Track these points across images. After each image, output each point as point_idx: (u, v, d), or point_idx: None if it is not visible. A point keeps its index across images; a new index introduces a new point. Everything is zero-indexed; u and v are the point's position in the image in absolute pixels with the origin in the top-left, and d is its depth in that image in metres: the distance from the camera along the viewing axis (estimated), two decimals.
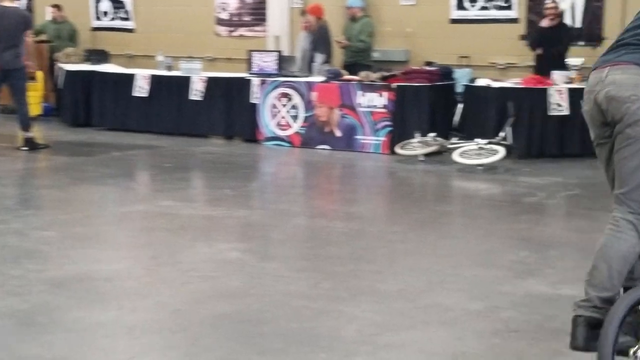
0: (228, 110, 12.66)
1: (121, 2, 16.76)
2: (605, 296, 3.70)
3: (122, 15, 16.81)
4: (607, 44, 12.11)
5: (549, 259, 6.10)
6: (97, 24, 17.21)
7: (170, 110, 13.13)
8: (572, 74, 11.23)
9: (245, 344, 4.33)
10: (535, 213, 7.75)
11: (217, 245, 6.40)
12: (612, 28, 12.31)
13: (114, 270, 5.68)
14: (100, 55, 15.34)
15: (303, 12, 13.56)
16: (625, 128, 3.66)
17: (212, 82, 12.82)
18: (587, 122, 3.98)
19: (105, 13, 17.05)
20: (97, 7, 17.13)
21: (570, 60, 11.68)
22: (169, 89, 13.17)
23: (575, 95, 10.73)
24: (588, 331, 3.66)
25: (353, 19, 13.20)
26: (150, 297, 5.13)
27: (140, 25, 16.66)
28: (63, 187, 8.85)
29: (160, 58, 13.86)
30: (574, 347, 3.73)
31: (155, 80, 13.29)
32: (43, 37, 15.78)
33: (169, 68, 13.55)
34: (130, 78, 13.50)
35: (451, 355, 4.21)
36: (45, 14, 16.40)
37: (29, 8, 17.22)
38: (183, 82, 13.00)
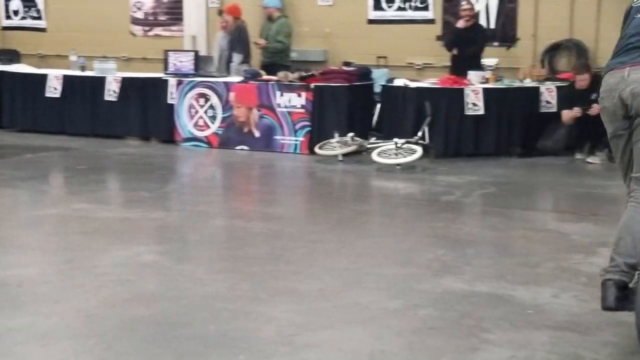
0: (144, 111, 12.51)
1: (32, 1, 16.45)
2: (631, 262, 4.24)
3: (34, 14, 16.50)
4: (521, 44, 12.36)
5: (466, 256, 6.17)
6: (7, 23, 16.87)
7: (84, 111, 12.91)
8: (487, 74, 11.40)
9: (162, 348, 4.27)
10: (452, 212, 7.83)
11: (133, 248, 6.31)
12: (525, 29, 12.57)
13: (27, 275, 5.55)
14: (10, 55, 15.03)
15: (220, 12, 13.51)
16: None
17: (127, 83, 12.66)
18: (604, 117, 4.56)
19: (16, 12, 16.70)
20: (7, 5, 16.77)
21: (485, 61, 11.85)
22: (83, 89, 12.95)
23: (490, 95, 10.92)
24: (618, 292, 4.22)
25: (270, 19, 13.18)
26: (64, 302, 5.02)
27: (52, 24, 16.38)
28: None
29: (73, 58, 13.62)
30: (606, 307, 4.27)
31: (69, 81, 13.05)
32: None
33: (83, 68, 13.32)
34: (42, 78, 13.24)
35: (369, 353, 4.22)
36: None
37: None
38: (97, 83, 12.80)
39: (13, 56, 15.04)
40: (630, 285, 4.24)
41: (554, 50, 12.55)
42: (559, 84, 11.42)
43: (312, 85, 11.43)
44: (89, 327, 4.58)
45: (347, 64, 12.87)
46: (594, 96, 10.61)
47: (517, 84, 11.48)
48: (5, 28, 16.86)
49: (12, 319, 4.69)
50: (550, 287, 5.34)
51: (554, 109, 11.04)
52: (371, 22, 13.67)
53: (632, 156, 4.41)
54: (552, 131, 10.91)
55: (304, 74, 11.85)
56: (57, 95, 13.04)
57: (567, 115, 10.67)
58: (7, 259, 5.97)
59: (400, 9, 13.45)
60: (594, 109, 10.49)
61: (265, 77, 11.97)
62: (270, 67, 12.71)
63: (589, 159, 10.72)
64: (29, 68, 14.23)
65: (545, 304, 4.99)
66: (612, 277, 4.26)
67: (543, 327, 4.59)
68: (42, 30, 16.51)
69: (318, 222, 7.45)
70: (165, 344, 4.32)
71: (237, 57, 12.87)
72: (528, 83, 11.58)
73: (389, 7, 13.52)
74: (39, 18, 16.50)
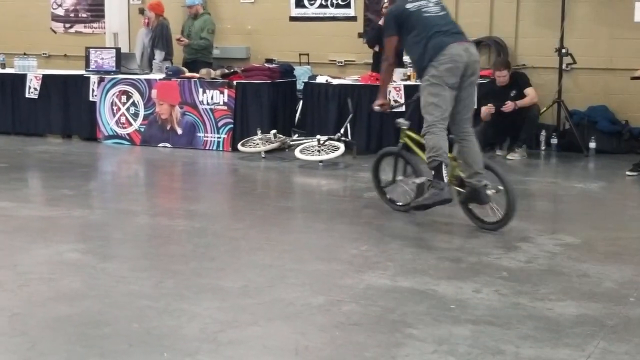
0: (65, 109, 12.39)
1: None
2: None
3: None
4: None
5: (389, 252, 6.26)
6: None
7: (4, 109, 12.75)
8: (409, 71, 11.53)
9: (86, 347, 4.26)
10: (375, 207, 7.91)
11: (55, 246, 6.26)
12: None
13: None
14: None
15: (142, 10, 13.42)
16: (474, 78, 6.97)
17: (48, 80, 12.51)
18: (450, 74, 6.73)
19: None
20: None
21: (407, 58, 11.98)
22: (3, 86, 12.78)
23: (411, 92, 11.03)
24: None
25: (195, 17, 13.15)
26: None
27: None
28: None
29: None
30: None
31: None
32: None
33: (3, 65, 13.14)
34: None
35: (294, 349, 4.27)
36: None
37: None
38: (18, 80, 12.63)
39: None
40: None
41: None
42: (480, 80, 11.59)
43: (235, 82, 11.45)
44: (12, 326, 4.54)
45: (269, 61, 12.93)
46: (513, 93, 10.87)
47: None
48: None
49: None
50: (471, 281, 5.44)
51: (475, 106, 11.21)
52: (293, 19, 13.72)
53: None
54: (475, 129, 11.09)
55: (226, 71, 11.86)
56: None
57: (484, 111, 10.87)
58: None
59: (322, 6, 13.52)
60: (507, 106, 10.72)
61: (188, 74, 11.95)
62: (193, 64, 12.70)
63: (509, 156, 10.93)
64: None
65: (467, 299, 5.08)
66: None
67: (465, 321, 4.67)
68: None
69: (241, 219, 7.48)
70: (89, 343, 4.31)
71: (159, 55, 12.81)
72: None
73: (311, 4, 13.59)
74: None
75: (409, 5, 6.97)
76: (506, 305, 4.99)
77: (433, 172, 6.73)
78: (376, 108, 7.57)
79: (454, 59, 6.69)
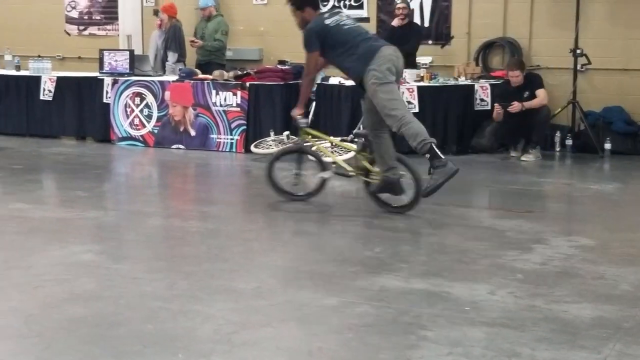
0: (80, 111, 12.43)
1: None
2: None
3: None
4: (455, 42, 12.51)
5: (402, 253, 6.25)
6: None
7: (19, 111, 12.81)
8: (422, 72, 11.53)
9: (101, 347, 4.27)
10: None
11: (70, 247, 6.27)
12: (460, 27, 12.72)
13: None
14: None
15: (156, 12, 13.44)
16: (398, 80, 7.60)
17: (62, 82, 12.55)
18: (390, 73, 7.27)
19: None
20: None
21: (420, 59, 11.98)
22: (18, 89, 12.83)
23: (424, 93, 11.04)
24: None
25: (208, 18, 13.16)
26: (1, 302, 4.99)
27: None
28: None
29: (8, 57, 13.49)
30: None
31: (4, 80, 12.95)
32: None
33: (18, 67, 13.19)
34: None
35: (307, 351, 4.26)
36: None
37: None
38: (32, 82, 12.68)
39: None
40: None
41: (487, 48, 12.73)
42: (493, 81, 11.60)
43: (248, 83, 11.46)
44: (27, 327, 4.55)
45: (282, 62, 12.91)
46: (526, 94, 10.84)
47: (451, 82, 11.62)
48: None
49: None
50: (486, 283, 5.42)
51: (489, 107, 11.22)
52: None
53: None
54: (485, 129, 11.09)
55: (239, 72, 11.87)
56: None
57: (494, 111, 10.86)
58: None
59: (334, 7, 13.50)
60: (514, 106, 10.67)
61: (201, 76, 11.96)
62: (206, 66, 12.71)
63: (523, 157, 10.90)
64: None
65: (481, 301, 5.06)
66: None
67: (480, 323, 4.65)
68: None
69: (254, 221, 7.49)
70: (103, 344, 4.32)
71: (172, 56, 12.83)
72: (463, 81, 11.72)
73: (324, 5, 13.56)
74: None
75: (327, 22, 7.52)
76: (521, 307, 4.96)
77: (428, 155, 7.08)
78: (297, 117, 7.94)
79: (390, 59, 7.28)
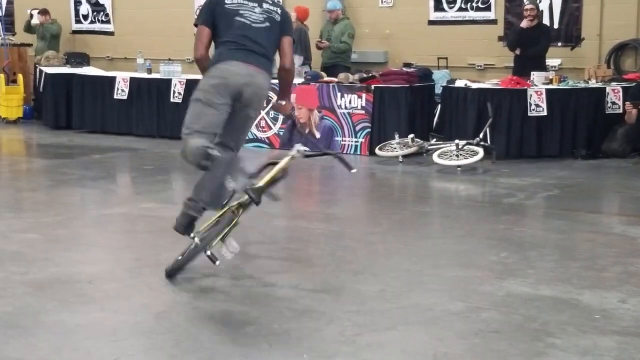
0: None
1: (101, 5, 16.73)
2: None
3: (102, 18, 16.78)
4: (585, 44, 12.20)
5: (529, 259, 6.16)
6: (77, 27, 17.18)
7: (150, 113, 13.15)
8: (551, 74, 11.34)
9: (228, 345, 4.35)
10: (515, 214, 7.80)
11: None
12: (590, 29, 12.43)
13: (97, 272, 5.69)
14: (80, 58, 15.34)
15: None
16: (249, 110, 5.90)
17: (192, 85, 12.80)
18: (215, 92, 5.77)
19: (86, 16, 17.00)
20: (77, 10, 17.09)
21: (549, 61, 11.77)
22: (149, 91, 13.18)
23: (553, 96, 10.84)
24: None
25: (335, 21, 13.25)
26: (132, 299, 5.15)
27: (119, 28, 16.65)
28: (44, 190, 8.85)
29: (140, 61, 13.87)
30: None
31: (135, 83, 13.30)
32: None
33: (149, 71, 13.54)
34: (110, 81, 13.53)
35: (432, 355, 4.25)
36: (25, 18, 16.34)
37: (9, 12, 17.21)
38: (163, 85, 13.01)
39: (83, 59, 15.34)
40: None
41: (619, 50, 12.41)
42: (625, 84, 11.30)
43: (373, 86, 11.48)
44: (158, 323, 4.68)
45: (407, 65, 12.89)
46: None
47: (581, 85, 11.36)
48: (75, 32, 17.17)
49: (82, 314, 4.82)
50: (617, 291, 5.30)
51: (620, 110, 10.94)
52: (432, 22, 13.64)
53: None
54: (617, 132, 10.81)
55: (364, 75, 11.90)
56: (125, 97, 13.31)
57: (626, 113, 10.58)
58: (78, 256, 6.13)
59: (461, 9, 13.40)
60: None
61: (326, 78, 12.04)
62: (332, 68, 12.79)
63: None
64: (98, 71, 14.56)
65: (612, 309, 4.95)
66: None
67: (610, 332, 4.56)
68: (111, 34, 16.78)
69: (379, 223, 7.49)
70: (231, 342, 4.41)
71: (297, 59, 12.94)
72: (593, 84, 11.46)
73: (450, 7, 13.49)
74: (107, 22, 16.78)
75: (228, 1, 5.81)
76: None
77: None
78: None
79: (224, 76, 5.74)
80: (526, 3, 12.06)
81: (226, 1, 5.82)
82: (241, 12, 5.81)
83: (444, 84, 11.92)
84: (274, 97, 8.03)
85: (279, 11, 5.98)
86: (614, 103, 11.07)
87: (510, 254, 6.27)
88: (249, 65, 5.73)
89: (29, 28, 16.02)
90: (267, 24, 5.85)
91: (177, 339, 4.45)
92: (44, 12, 15.87)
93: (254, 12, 5.84)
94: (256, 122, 12.12)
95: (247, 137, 11.98)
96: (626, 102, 10.63)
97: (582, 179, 9.67)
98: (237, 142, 6.09)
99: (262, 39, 5.83)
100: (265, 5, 5.88)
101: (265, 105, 5.41)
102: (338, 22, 13.25)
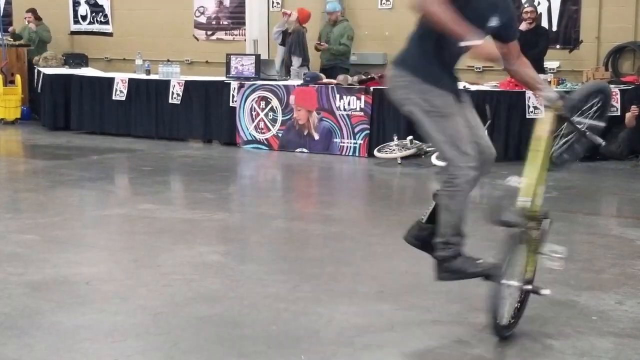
0: (206, 114, 12.68)
1: (100, 6, 16.72)
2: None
3: (101, 19, 16.78)
4: (584, 46, 12.19)
5: None
6: (75, 27, 17.18)
7: (149, 114, 13.15)
8: (549, 77, 11.32)
9: (226, 347, 4.35)
10: None
11: (196, 248, 6.41)
12: (589, 31, 12.44)
13: (94, 273, 5.69)
14: (79, 59, 15.33)
15: (284, 14, 13.53)
16: None
17: (190, 86, 12.83)
18: None
19: (84, 17, 17.00)
20: (75, 11, 17.09)
21: (548, 64, 11.76)
22: (148, 92, 13.18)
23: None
24: None
25: (334, 23, 13.25)
26: (130, 300, 5.14)
27: (118, 29, 16.65)
28: (42, 191, 8.84)
29: (138, 62, 13.87)
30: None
31: (134, 84, 13.29)
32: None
33: (148, 72, 13.54)
34: (109, 82, 13.52)
35: (430, 357, 4.25)
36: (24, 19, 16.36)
37: (7, 12, 17.21)
38: (161, 86, 13.01)
39: (81, 60, 15.34)
40: None
41: (618, 52, 12.41)
42: (623, 87, 11.30)
43: (372, 88, 11.47)
44: (155, 325, 4.68)
45: None
46: None
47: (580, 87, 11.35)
48: (74, 33, 17.17)
49: (80, 316, 4.81)
50: (614, 293, 5.30)
51: (618, 113, 10.93)
52: None
53: None
54: (615, 135, 10.81)
55: (363, 77, 11.89)
56: (123, 98, 13.31)
57: (628, 117, 10.57)
58: (75, 257, 6.12)
59: None
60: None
61: (325, 80, 12.04)
62: (331, 70, 12.80)
63: None
64: (96, 72, 14.56)
65: (609, 311, 4.95)
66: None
67: (607, 333, 4.56)
68: (109, 35, 16.78)
69: (377, 225, 7.49)
70: (228, 343, 4.40)
71: (296, 61, 12.96)
72: None
73: None
74: (106, 23, 16.79)
75: None
76: None
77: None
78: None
79: None
80: (525, 6, 12.06)
81: None
82: None
83: None
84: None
85: None
86: (612, 105, 11.05)
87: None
88: None
89: (13, 35, 16.00)
90: None
91: (175, 340, 4.45)
92: (31, 11, 15.85)
93: None
94: (255, 123, 12.15)
95: (245, 139, 12.10)
96: (632, 106, 10.61)
97: (580, 181, 9.67)
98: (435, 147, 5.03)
99: None
100: None
101: (402, 93, 4.61)
102: (337, 24, 13.25)
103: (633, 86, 11.07)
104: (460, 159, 4.52)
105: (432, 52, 4.70)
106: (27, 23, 15.94)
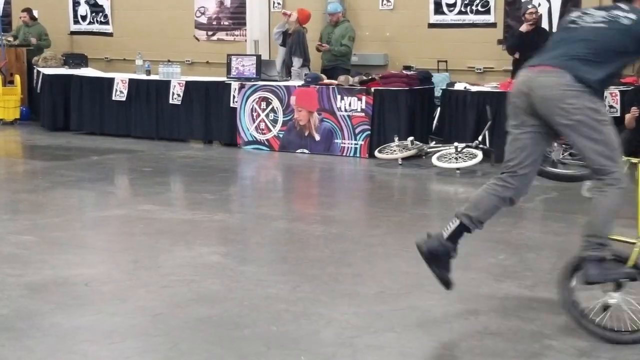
0: (207, 115, 12.67)
1: (100, 6, 16.72)
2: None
3: (101, 19, 16.78)
4: None
5: (527, 261, 6.15)
6: (75, 27, 17.18)
7: (149, 115, 13.14)
8: None
9: (226, 348, 4.34)
10: (513, 216, 7.77)
11: (196, 249, 6.40)
12: None
13: (93, 274, 5.68)
14: (78, 59, 15.31)
15: (284, 14, 13.52)
16: (555, 119, 4.70)
17: (191, 86, 12.83)
18: (510, 114, 5.15)
19: (84, 17, 17.00)
20: (75, 11, 17.09)
21: None
22: (148, 93, 13.17)
23: None
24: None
25: (335, 24, 13.25)
26: (129, 301, 5.13)
27: (118, 29, 16.65)
28: (41, 192, 8.83)
29: (139, 62, 13.86)
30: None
31: (134, 84, 13.28)
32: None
33: (148, 72, 13.53)
34: (108, 82, 13.51)
35: (430, 357, 4.25)
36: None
37: (6, 12, 17.21)
38: (162, 86, 13.01)
39: (81, 60, 15.32)
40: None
41: None
42: (622, 88, 11.28)
43: (373, 89, 11.46)
44: (154, 326, 4.67)
45: (407, 68, 12.88)
46: None
47: None
48: (73, 33, 17.17)
49: (78, 317, 4.80)
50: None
51: (618, 114, 10.91)
52: (432, 26, 13.63)
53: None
54: (619, 137, 10.78)
55: (364, 78, 11.88)
56: (123, 98, 13.30)
57: (628, 118, 10.55)
58: (74, 258, 6.11)
59: (461, 12, 13.39)
60: None
61: (326, 81, 12.03)
62: (332, 71, 12.79)
63: None
64: (96, 72, 14.55)
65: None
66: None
67: None
68: (109, 35, 16.78)
69: (378, 226, 7.48)
70: (228, 344, 4.39)
71: (297, 62, 12.95)
72: None
73: (450, 11, 13.47)
74: (106, 23, 16.79)
75: (571, 16, 4.98)
76: None
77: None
78: None
79: (512, 93, 5.04)
80: (529, 7, 12.04)
81: None
82: None
83: (444, 87, 11.92)
84: None
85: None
86: (611, 107, 11.04)
87: (507, 256, 6.27)
88: (532, 68, 4.82)
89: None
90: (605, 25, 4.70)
91: (174, 341, 4.44)
92: (26, 11, 15.84)
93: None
94: (256, 124, 12.15)
95: (246, 140, 12.09)
96: (632, 107, 10.58)
97: (580, 182, 9.63)
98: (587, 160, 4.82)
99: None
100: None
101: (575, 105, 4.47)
102: (338, 24, 13.24)
103: (632, 87, 11.04)
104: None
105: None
106: (22, 23, 15.93)
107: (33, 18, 15.96)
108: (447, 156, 10.33)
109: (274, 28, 13.63)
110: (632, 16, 4.62)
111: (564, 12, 12.65)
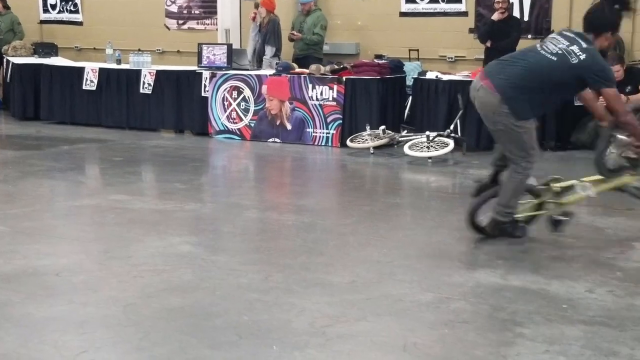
0: (178, 104, 12.61)
1: None
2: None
3: (71, 8, 16.65)
4: None
5: (499, 250, 6.17)
6: (45, 16, 17.05)
7: (119, 104, 13.06)
8: None
9: (198, 338, 4.33)
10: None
11: (168, 238, 6.38)
12: (560, 21, 12.47)
13: (64, 264, 5.64)
14: (48, 48, 15.21)
15: (256, 5, 13.51)
16: (493, 126, 6.33)
17: (162, 76, 12.76)
18: None
19: (54, 6, 16.86)
20: (45, 0, 16.95)
21: None
22: (119, 82, 13.08)
23: None
24: None
25: (307, 13, 13.22)
26: (100, 291, 5.10)
27: (88, 18, 16.54)
28: (11, 181, 8.75)
29: (109, 51, 13.77)
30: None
31: (105, 74, 13.19)
32: None
33: (119, 61, 13.45)
34: (79, 71, 13.41)
35: (402, 346, 4.25)
36: None
37: None
38: (132, 76, 12.93)
39: (51, 49, 15.21)
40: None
41: None
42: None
43: (344, 78, 11.46)
44: (126, 316, 4.65)
45: (379, 57, 12.89)
46: (628, 88, 10.57)
47: None
48: (43, 22, 17.04)
49: (49, 307, 4.78)
50: (584, 281, 5.33)
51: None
52: (403, 14, 13.65)
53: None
54: (586, 125, 10.86)
55: (336, 67, 11.87)
56: (94, 88, 13.21)
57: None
58: (45, 248, 6.07)
59: (432, 1, 13.41)
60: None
61: (298, 70, 12.01)
62: (304, 60, 12.77)
63: (624, 154, 10.63)
64: (66, 61, 14.44)
65: (579, 299, 4.98)
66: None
67: (577, 321, 4.59)
68: (79, 24, 16.67)
69: (350, 215, 7.49)
70: (200, 334, 4.38)
71: (269, 50, 12.92)
72: None
73: None
74: (76, 12, 16.66)
75: (546, 38, 6.55)
76: (620, 306, 4.87)
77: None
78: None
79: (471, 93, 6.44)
80: None
81: None
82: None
83: (415, 76, 11.94)
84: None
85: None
86: None
87: (479, 245, 6.29)
88: (483, 79, 6.24)
89: None
90: (555, 58, 6.05)
91: (145, 331, 4.42)
92: (0, 0, 15.68)
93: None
94: (227, 113, 12.11)
95: (218, 129, 12.05)
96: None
97: (551, 170, 9.64)
98: (510, 154, 6.21)
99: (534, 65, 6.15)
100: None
101: (499, 120, 6.08)
102: (310, 13, 13.22)
103: None
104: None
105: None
106: None
107: (6, 7, 15.80)
108: (419, 145, 10.35)
109: (249, 32, 13.49)
110: (582, 56, 5.89)
111: (535, 1, 12.72)
